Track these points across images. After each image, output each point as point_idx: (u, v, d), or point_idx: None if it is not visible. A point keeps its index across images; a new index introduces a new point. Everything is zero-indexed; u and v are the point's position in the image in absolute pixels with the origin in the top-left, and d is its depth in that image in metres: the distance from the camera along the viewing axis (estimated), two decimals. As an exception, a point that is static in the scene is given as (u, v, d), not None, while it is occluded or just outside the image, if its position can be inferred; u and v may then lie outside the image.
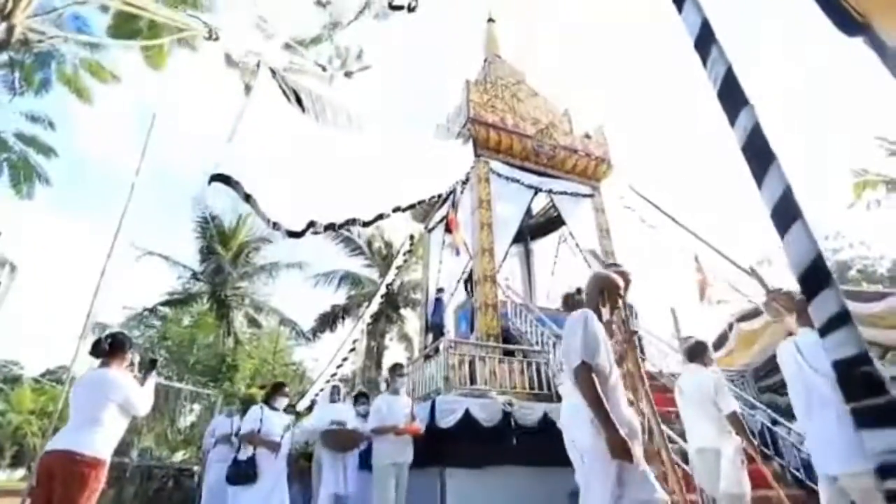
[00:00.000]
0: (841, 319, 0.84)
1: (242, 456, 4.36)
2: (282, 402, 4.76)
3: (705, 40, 1.28)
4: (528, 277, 11.19)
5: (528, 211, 10.09)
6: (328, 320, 18.54)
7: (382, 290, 12.26)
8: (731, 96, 1.18)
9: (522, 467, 5.25)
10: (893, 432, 0.76)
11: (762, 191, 1.05)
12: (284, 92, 3.13)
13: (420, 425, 5.00)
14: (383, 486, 4.51)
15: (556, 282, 10.40)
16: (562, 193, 9.54)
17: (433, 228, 10.70)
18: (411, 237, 11.61)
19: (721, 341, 8.96)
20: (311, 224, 2.85)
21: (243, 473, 4.25)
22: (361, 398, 5.73)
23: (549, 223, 10.92)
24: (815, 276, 0.90)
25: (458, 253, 8.34)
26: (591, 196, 9.80)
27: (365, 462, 5.01)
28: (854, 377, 0.81)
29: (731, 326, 8.87)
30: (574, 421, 2.17)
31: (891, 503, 0.73)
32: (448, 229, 8.82)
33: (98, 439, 2.81)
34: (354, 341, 10.66)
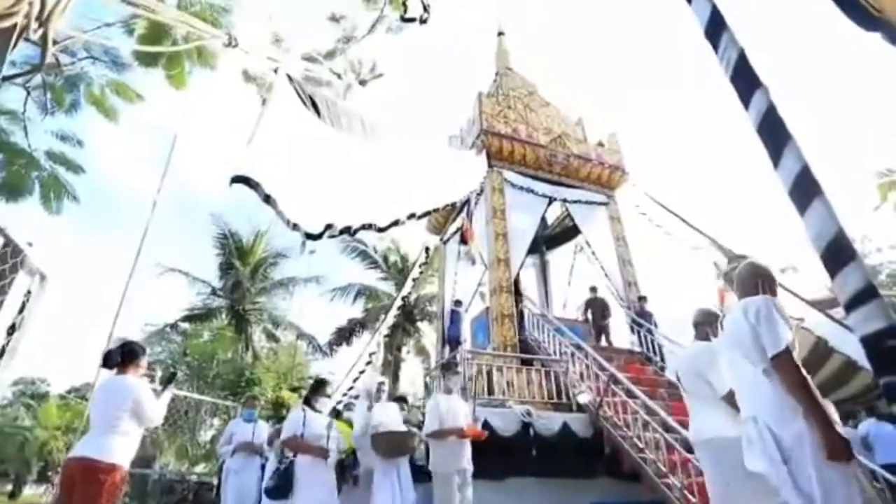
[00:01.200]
0: (867, 293, 0.81)
1: (283, 466, 4.02)
2: (323, 403, 4.36)
3: (716, 27, 1.28)
4: (545, 287, 11.10)
5: (543, 221, 10.04)
6: (345, 334, 18.64)
7: (398, 302, 12.29)
8: (744, 79, 1.17)
9: (543, 479, 5.15)
10: (928, 407, 0.73)
11: (779, 170, 1.03)
12: (301, 97, 3.20)
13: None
14: (448, 496, 3.97)
15: (573, 292, 10.32)
16: (576, 202, 9.49)
17: (448, 240, 10.71)
18: (426, 249, 11.64)
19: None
20: (329, 227, 2.90)
21: (282, 485, 3.91)
22: (400, 402, 5.19)
23: (565, 233, 10.85)
24: (838, 252, 0.87)
25: (473, 263, 8.32)
26: (606, 204, 9.73)
27: (417, 471, 4.51)
28: (884, 351, 0.78)
29: (755, 334, 8.60)
30: (779, 420, 1.90)
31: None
32: (463, 240, 8.83)
33: (115, 445, 2.84)
34: (371, 354, 10.65)
